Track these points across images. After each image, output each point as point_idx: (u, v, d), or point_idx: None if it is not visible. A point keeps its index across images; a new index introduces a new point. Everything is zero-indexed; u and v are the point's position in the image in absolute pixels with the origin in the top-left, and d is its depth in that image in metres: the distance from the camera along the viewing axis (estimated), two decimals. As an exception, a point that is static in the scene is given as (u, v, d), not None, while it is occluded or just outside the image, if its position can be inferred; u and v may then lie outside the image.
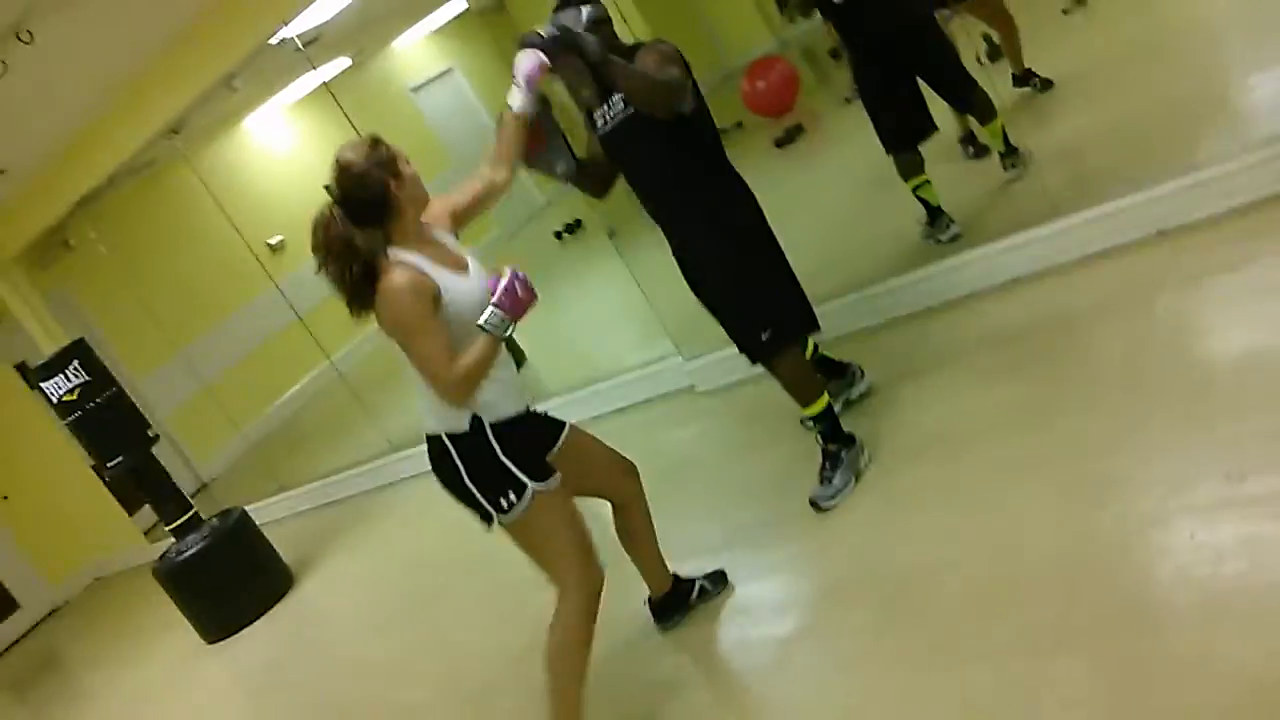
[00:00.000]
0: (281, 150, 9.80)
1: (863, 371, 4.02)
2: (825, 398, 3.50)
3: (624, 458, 3.13)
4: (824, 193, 6.09)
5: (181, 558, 5.49)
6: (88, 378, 5.33)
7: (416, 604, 4.70)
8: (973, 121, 4.84)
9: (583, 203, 10.12)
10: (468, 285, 2.64)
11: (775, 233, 3.50)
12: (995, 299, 4.04)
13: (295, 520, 7.19)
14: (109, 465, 5.45)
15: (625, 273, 5.03)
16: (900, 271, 4.42)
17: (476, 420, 2.64)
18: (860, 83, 4.55)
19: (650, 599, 3.29)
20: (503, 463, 2.65)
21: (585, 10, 3.27)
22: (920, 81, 4.42)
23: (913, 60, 4.38)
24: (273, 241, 8.50)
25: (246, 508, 6.07)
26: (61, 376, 5.27)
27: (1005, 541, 2.81)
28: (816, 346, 3.95)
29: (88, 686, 6.42)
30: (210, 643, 5.59)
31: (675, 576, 3.30)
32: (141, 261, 8.66)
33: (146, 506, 7.34)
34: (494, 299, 2.56)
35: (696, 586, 3.31)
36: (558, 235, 9.55)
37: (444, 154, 10.13)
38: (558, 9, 3.29)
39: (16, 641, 8.41)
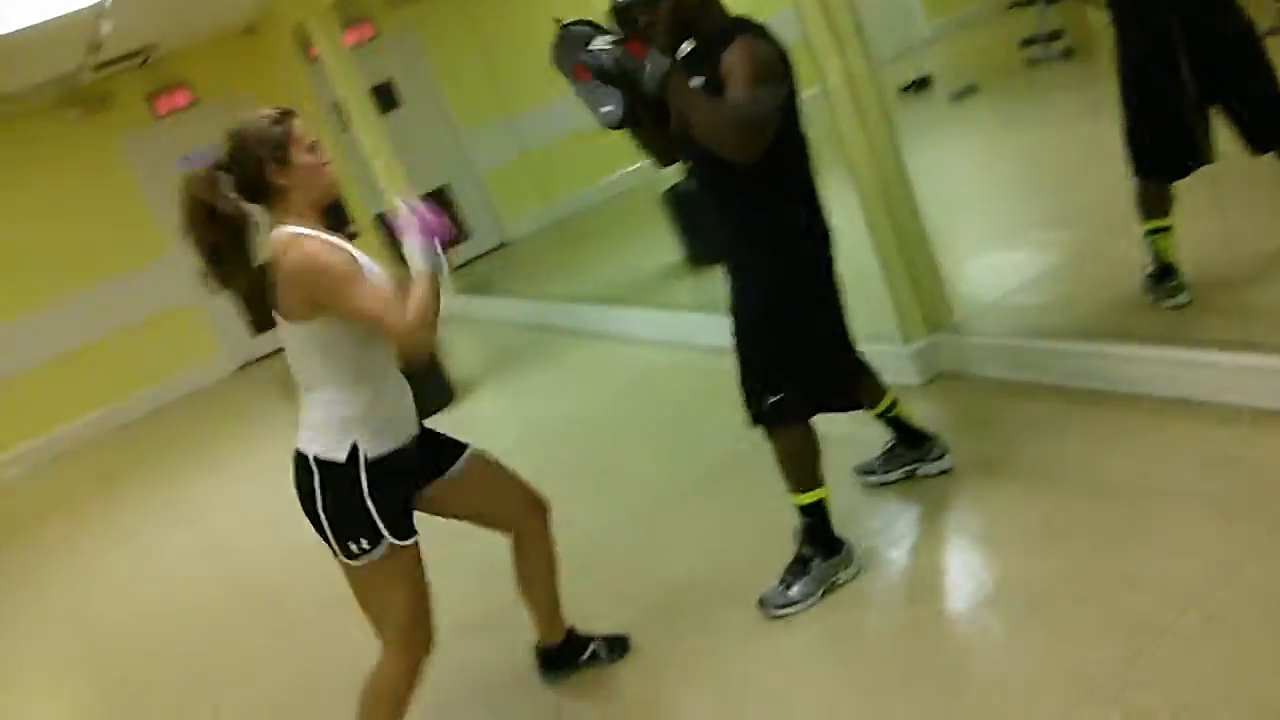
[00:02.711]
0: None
1: (944, 450, 3.29)
2: (821, 492, 2.91)
3: (534, 492, 2.81)
4: (997, 162, 5.39)
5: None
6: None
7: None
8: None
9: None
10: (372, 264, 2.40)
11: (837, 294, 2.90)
12: (1224, 422, 3.03)
13: (497, 329, 7.40)
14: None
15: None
16: (1082, 320, 3.60)
17: (353, 453, 2.39)
18: (1126, 76, 3.46)
19: (538, 646, 3.00)
20: (366, 507, 2.39)
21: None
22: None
23: (1218, 73, 3.25)
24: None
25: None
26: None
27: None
28: (896, 400, 3.26)
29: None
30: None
31: (570, 630, 2.98)
32: (492, 25, 8.80)
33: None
34: (408, 235, 2.31)
35: (590, 649, 2.98)
36: (904, 89, 8.61)
37: None
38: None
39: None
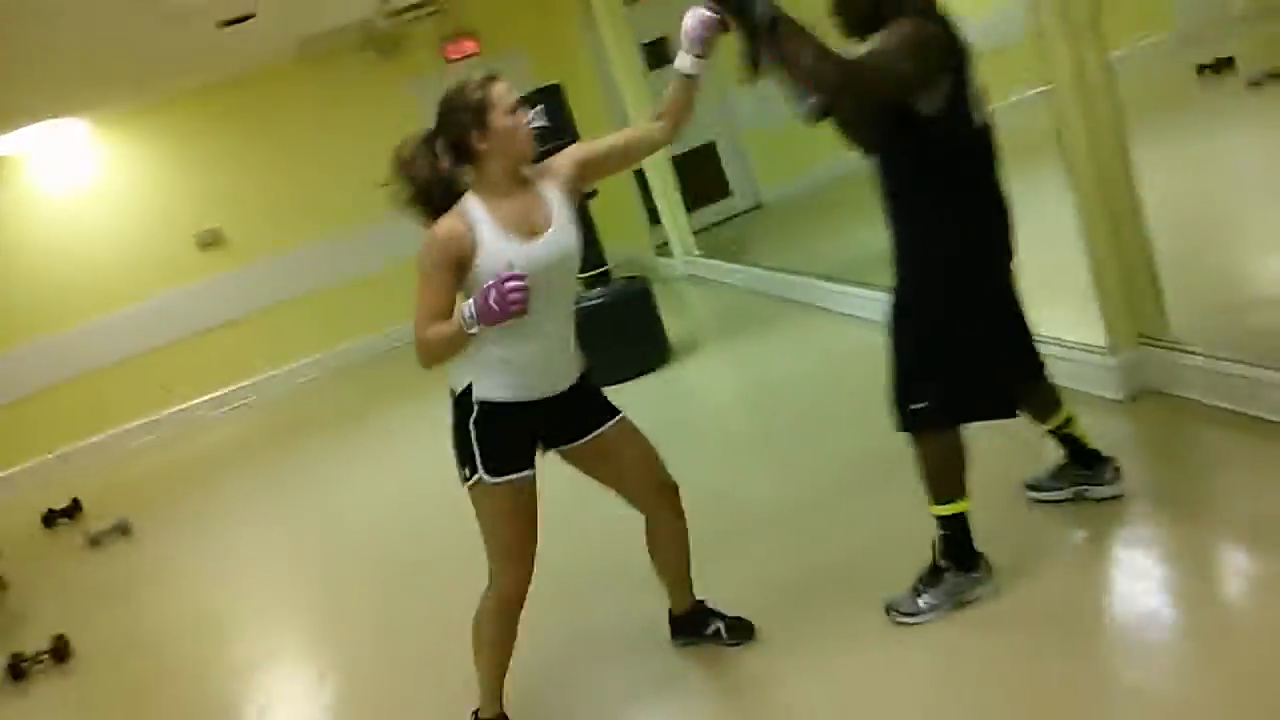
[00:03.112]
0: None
1: (1117, 475, 3.10)
2: (963, 504, 2.82)
3: (664, 476, 2.88)
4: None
5: (584, 305, 6.02)
6: (548, 123, 5.79)
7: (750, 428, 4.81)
8: None
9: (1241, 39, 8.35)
10: (524, 252, 2.52)
11: (1015, 293, 2.82)
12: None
13: (731, 292, 7.49)
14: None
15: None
16: None
17: (467, 390, 2.61)
18: None
19: (670, 610, 3.10)
20: (470, 438, 2.60)
21: None
22: None
23: None
24: None
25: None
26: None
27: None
28: (1072, 418, 3.10)
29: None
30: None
31: (699, 604, 3.07)
32: None
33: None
34: (474, 298, 2.43)
35: (715, 625, 3.05)
36: (1201, 70, 7.90)
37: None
38: None
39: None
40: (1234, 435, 3.26)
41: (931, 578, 2.85)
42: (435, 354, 2.51)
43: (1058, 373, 3.87)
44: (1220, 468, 3.22)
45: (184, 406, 9.17)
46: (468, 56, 9.41)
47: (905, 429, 2.83)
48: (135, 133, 8.90)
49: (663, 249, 8.98)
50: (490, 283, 2.38)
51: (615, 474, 2.85)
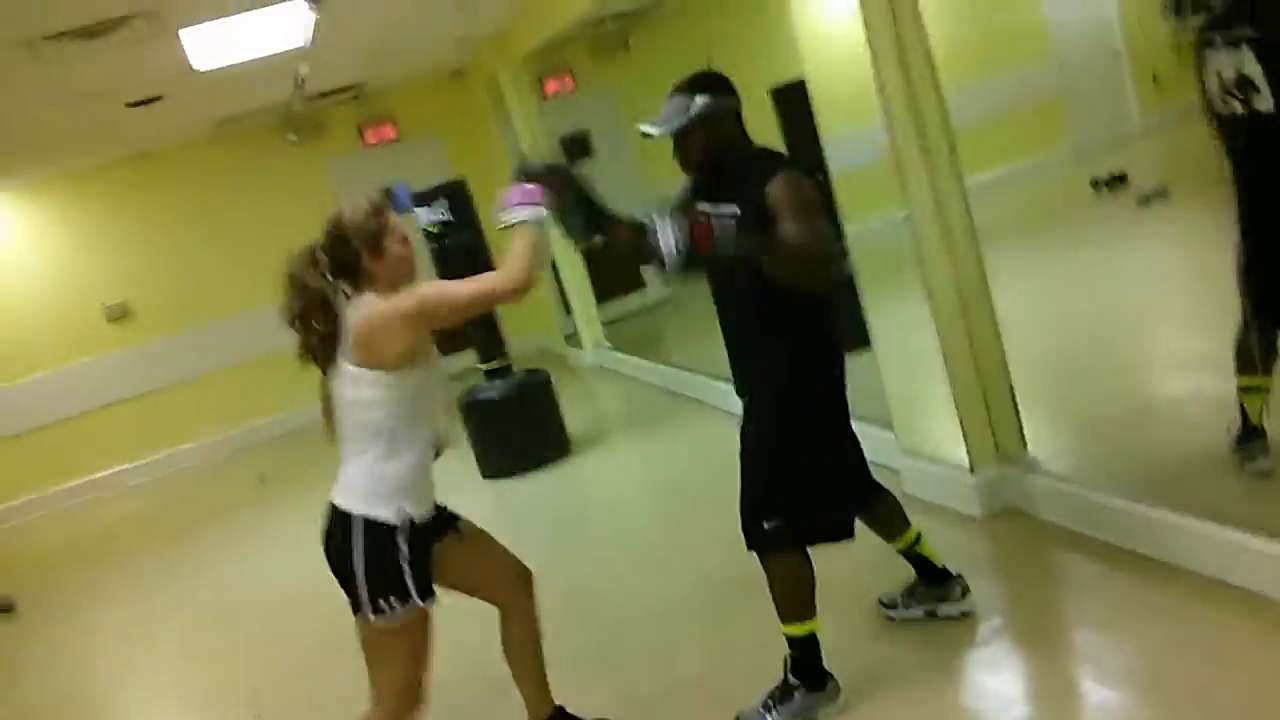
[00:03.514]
0: None
1: (965, 592, 3.20)
2: (812, 625, 2.89)
3: (519, 565, 2.94)
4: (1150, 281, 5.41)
5: (482, 397, 6.06)
6: (450, 218, 5.89)
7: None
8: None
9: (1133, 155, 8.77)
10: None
11: (848, 423, 2.93)
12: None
13: (628, 384, 7.62)
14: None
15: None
16: (1163, 476, 3.41)
17: (406, 519, 2.57)
18: (1243, 220, 3.28)
19: (530, 721, 3.10)
20: (402, 570, 2.57)
21: (697, 101, 2.74)
22: None
23: None
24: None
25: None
26: (429, 209, 5.89)
27: None
28: (920, 537, 3.20)
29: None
30: (485, 477, 6.19)
31: (559, 709, 3.06)
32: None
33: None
34: (509, 200, 2.58)
35: (578, 732, 3.06)
36: (1095, 185, 8.23)
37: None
38: (673, 91, 2.83)
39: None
40: (1080, 558, 3.39)
41: (782, 695, 2.90)
42: (535, 267, 2.54)
43: (920, 487, 4.04)
44: (1067, 591, 3.36)
45: (81, 481, 8.97)
46: (387, 140, 9.52)
47: (753, 548, 2.89)
48: (45, 204, 8.83)
49: (573, 339, 9.06)
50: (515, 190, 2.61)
51: (474, 570, 2.87)
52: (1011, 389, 3.76)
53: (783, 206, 2.60)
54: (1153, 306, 5.58)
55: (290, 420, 9.03)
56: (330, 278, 2.60)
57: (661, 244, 2.41)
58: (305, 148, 9.33)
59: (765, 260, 2.51)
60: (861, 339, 4.24)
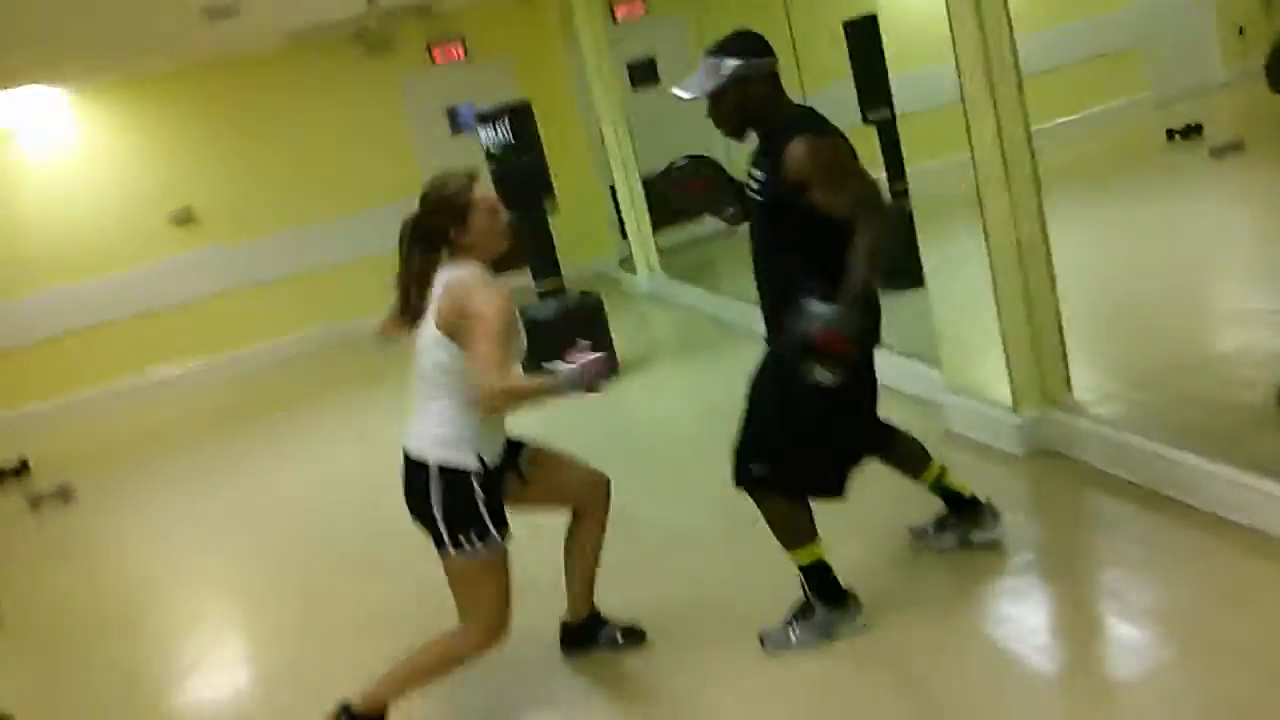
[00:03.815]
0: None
1: (997, 515, 3.27)
2: (816, 549, 2.96)
3: (596, 474, 3.09)
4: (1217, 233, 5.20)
5: (533, 317, 6.17)
6: (512, 139, 5.95)
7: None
8: None
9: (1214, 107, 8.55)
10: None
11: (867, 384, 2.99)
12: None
13: (681, 312, 7.68)
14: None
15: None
16: (1203, 426, 3.42)
17: (479, 462, 2.71)
18: None
19: (564, 620, 3.24)
20: (479, 509, 2.72)
21: (728, 64, 2.78)
22: None
23: None
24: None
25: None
26: (492, 129, 5.95)
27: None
28: (944, 470, 3.25)
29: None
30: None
31: (595, 612, 3.21)
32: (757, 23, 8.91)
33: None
34: (578, 363, 2.69)
35: (609, 633, 3.22)
36: (1170, 135, 8.10)
37: None
38: (707, 52, 2.85)
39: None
40: (1115, 501, 3.41)
41: (803, 613, 3.00)
42: (514, 399, 2.66)
43: (963, 424, 4.08)
44: (1099, 531, 3.39)
45: (142, 380, 9.25)
46: (455, 60, 9.55)
47: (738, 485, 2.96)
48: (115, 107, 9.00)
49: (628, 264, 9.13)
50: (593, 357, 2.72)
51: (545, 491, 3.02)
52: (1061, 333, 3.78)
53: (812, 179, 2.64)
54: (1216, 259, 5.51)
55: (345, 330, 9.23)
56: (424, 251, 2.75)
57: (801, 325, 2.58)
58: (376, 65, 9.40)
59: (876, 272, 2.61)
60: (916, 278, 4.26)
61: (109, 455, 7.69)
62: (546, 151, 6.28)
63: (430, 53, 9.47)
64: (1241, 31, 9.43)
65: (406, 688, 2.89)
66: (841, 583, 3.00)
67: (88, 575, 5.16)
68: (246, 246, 9.38)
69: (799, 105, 2.88)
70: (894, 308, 4.24)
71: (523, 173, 6.00)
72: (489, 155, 6.04)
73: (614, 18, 8.92)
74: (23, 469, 7.13)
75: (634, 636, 3.22)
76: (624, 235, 9.00)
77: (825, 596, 2.97)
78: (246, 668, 3.94)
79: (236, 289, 9.43)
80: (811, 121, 2.78)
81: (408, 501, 2.78)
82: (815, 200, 2.64)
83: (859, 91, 6.01)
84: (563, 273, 6.46)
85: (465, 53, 9.54)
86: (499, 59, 9.67)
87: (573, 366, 2.67)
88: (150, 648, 4.16)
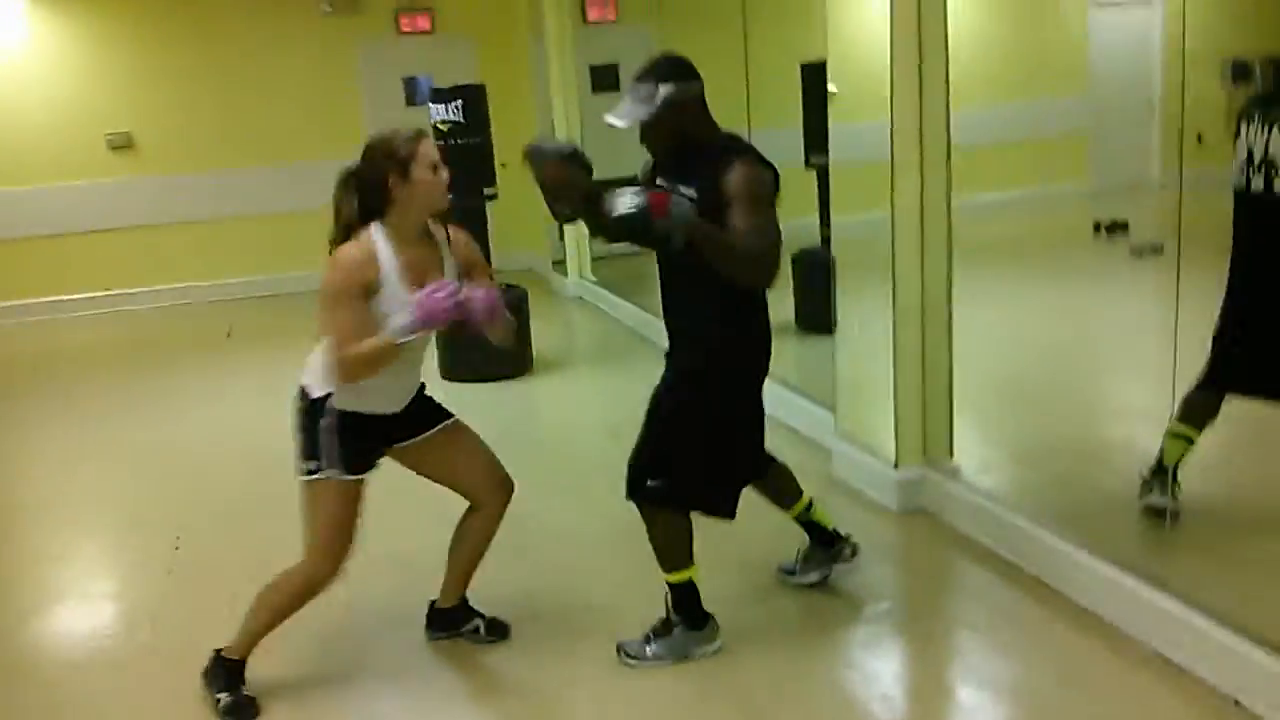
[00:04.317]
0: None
1: (856, 549, 3.41)
2: (689, 572, 3.05)
3: (504, 474, 3.13)
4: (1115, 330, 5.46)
5: (456, 300, 6.17)
6: (462, 119, 5.97)
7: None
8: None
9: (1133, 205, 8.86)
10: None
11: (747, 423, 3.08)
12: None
13: (604, 320, 7.71)
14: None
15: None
16: (1070, 507, 3.59)
17: (327, 397, 2.79)
18: (1232, 290, 3.44)
19: (434, 603, 3.29)
20: (318, 438, 2.79)
21: (661, 89, 2.82)
22: None
23: None
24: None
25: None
26: (444, 107, 5.96)
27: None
28: (812, 503, 3.38)
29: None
30: (443, 378, 6.30)
31: (463, 600, 3.27)
32: (720, 41, 9.02)
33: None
34: (409, 308, 2.66)
35: (475, 623, 3.27)
36: (1096, 228, 8.36)
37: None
38: (637, 78, 2.90)
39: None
40: (976, 567, 3.56)
41: (662, 629, 3.08)
42: (364, 368, 2.70)
43: (846, 471, 4.21)
44: (958, 594, 3.55)
45: (62, 298, 9.09)
46: (420, 32, 9.52)
47: (631, 498, 3.03)
48: (75, 20, 8.86)
49: (560, 266, 9.16)
50: (425, 291, 2.65)
51: (449, 469, 3.09)
52: (951, 398, 3.92)
53: (737, 198, 2.71)
54: (1114, 353, 5.72)
55: (267, 283, 9.13)
56: (361, 200, 2.76)
57: (613, 203, 2.60)
58: (340, 22, 9.32)
59: (710, 250, 2.64)
60: (827, 324, 4.38)
61: (12, 371, 7.54)
62: (495, 139, 6.29)
63: (397, 19, 9.42)
64: (1200, 139, 9.74)
65: (264, 626, 2.95)
66: (704, 608, 3.08)
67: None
68: (180, 181, 9.24)
69: (727, 132, 2.95)
70: (802, 350, 4.33)
71: (468, 155, 6.00)
72: (438, 132, 6.03)
73: (585, 18, 8.98)
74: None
75: (497, 629, 3.28)
76: (561, 237, 9.03)
77: (687, 618, 3.05)
78: (110, 603, 3.89)
79: (164, 224, 9.29)
80: (749, 148, 2.86)
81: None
82: (727, 217, 2.71)
83: (805, 135, 6.12)
84: (492, 262, 6.46)
85: (432, 26, 9.51)
86: (464, 39, 9.64)
87: (407, 310, 2.66)
88: (7, 578, 4.09)
